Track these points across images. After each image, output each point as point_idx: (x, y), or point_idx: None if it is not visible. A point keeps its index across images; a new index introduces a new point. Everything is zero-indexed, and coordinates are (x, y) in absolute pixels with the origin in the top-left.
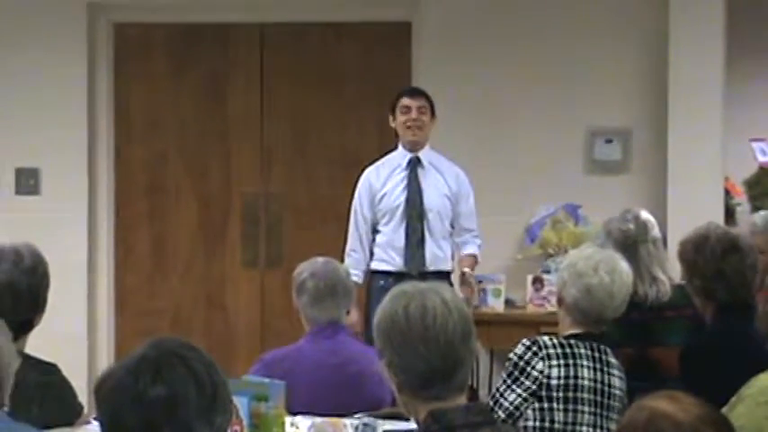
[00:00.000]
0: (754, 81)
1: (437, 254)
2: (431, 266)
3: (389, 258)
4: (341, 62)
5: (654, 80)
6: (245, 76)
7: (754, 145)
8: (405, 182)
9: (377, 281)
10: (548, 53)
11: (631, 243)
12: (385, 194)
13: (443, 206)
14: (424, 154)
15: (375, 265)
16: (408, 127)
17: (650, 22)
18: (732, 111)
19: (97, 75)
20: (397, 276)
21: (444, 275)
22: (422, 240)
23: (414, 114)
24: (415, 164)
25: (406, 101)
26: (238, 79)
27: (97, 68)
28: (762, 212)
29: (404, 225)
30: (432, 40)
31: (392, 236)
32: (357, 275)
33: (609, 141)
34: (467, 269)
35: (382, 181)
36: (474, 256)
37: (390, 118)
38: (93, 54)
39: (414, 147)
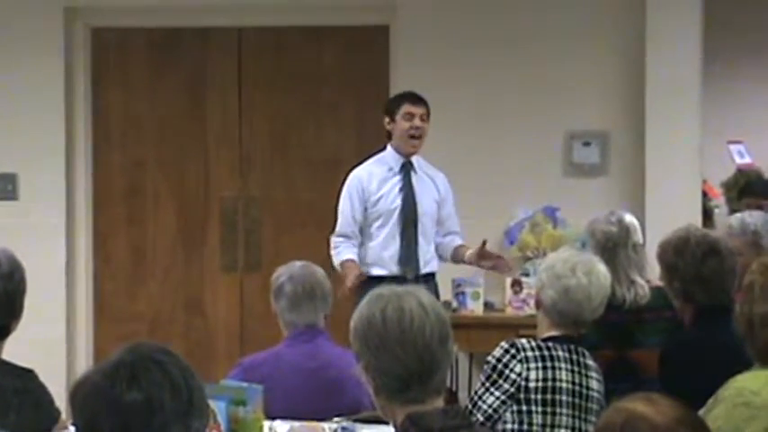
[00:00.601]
0: (731, 83)
1: (428, 257)
2: (422, 270)
3: (384, 263)
4: (319, 66)
5: (631, 83)
6: (223, 80)
7: (732, 147)
8: (399, 186)
9: (371, 287)
10: (525, 56)
11: (612, 246)
12: (380, 198)
13: (433, 211)
14: (415, 159)
15: (368, 271)
16: (411, 136)
17: (627, 25)
18: (709, 113)
19: (75, 79)
20: (391, 281)
21: (431, 277)
22: (416, 244)
23: (417, 122)
24: (408, 168)
25: (409, 107)
26: (216, 83)
27: (74, 73)
28: (738, 215)
29: (399, 229)
30: (409, 43)
31: (387, 240)
32: (351, 257)
33: (587, 144)
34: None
35: (376, 184)
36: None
37: (386, 119)
38: (71, 59)
39: (411, 153)
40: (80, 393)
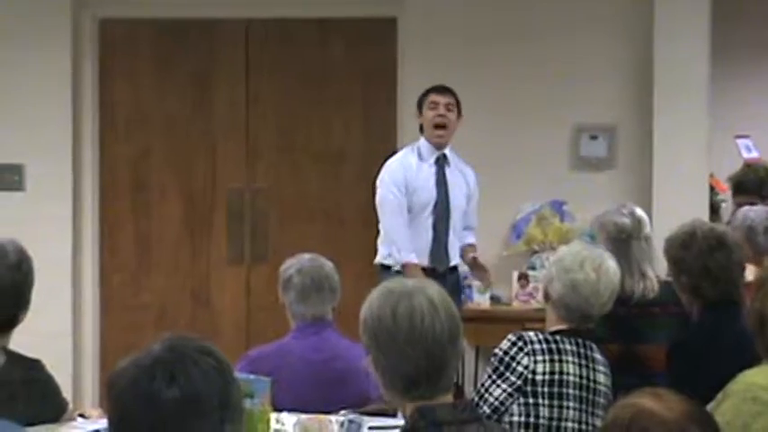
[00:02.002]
0: (739, 78)
1: (455, 250)
2: (451, 262)
3: (414, 253)
4: (327, 58)
5: (639, 77)
6: (230, 72)
7: (739, 141)
8: (434, 178)
9: (391, 276)
10: (533, 50)
11: (625, 238)
12: (417, 188)
13: (464, 205)
14: (448, 152)
15: (391, 261)
16: (436, 125)
17: (636, 18)
18: (717, 107)
19: (82, 71)
20: (422, 272)
21: (455, 269)
22: (446, 237)
23: (441, 110)
24: (442, 161)
25: (434, 97)
26: (224, 75)
27: (82, 64)
28: (744, 208)
29: (431, 222)
30: (417, 36)
31: (417, 231)
32: (413, 257)
33: (594, 138)
34: (475, 254)
35: (414, 173)
36: (475, 246)
37: (417, 113)
38: (78, 50)
39: (440, 144)
40: (117, 386)
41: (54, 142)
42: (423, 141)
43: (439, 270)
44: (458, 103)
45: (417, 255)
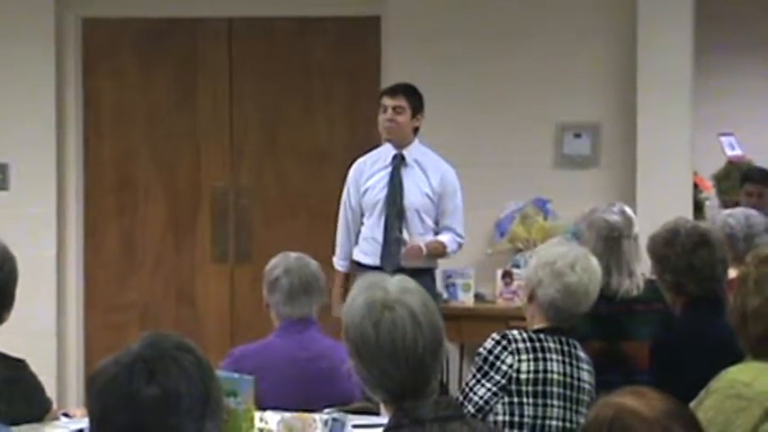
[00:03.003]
0: (722, 75)
1: None
2: (407, 264)
3: (369, 252)
4: (310, 56)
5: (623, 74)
6: (213, 71)
7: (723, 139)
8: (386, 178)
9: (360, 271)
10: (516, 48)
11: (616, 236)
12: (368, 189)
13: (424, 204)
14: (410, 151)
15: (358, 257)
16: (384, 127)
17: (619, 16)
18: (701, 105)
19: (66, 70)
20: (374, 271)
21: (425, 272)
22: (399, 238)
23: (389, 114)
24: (399, 161)
25: (384, 99)
26: (207, 73)
27: (66, 64)
28: (726, 212)
29: (382, 221)
30: (400, 34)
31: (373, 230)
32: (343, 266)
33: (578, 136)
34: (415, 243)
35: (367, 175)
36: (441, 243)
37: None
38: (62, 49)
39: (397, 144)
40: (97, 384)
41: (38, 141)
42: (385, 143)
43: (386, 271)
44: (413, 103)
45: (370, 254)
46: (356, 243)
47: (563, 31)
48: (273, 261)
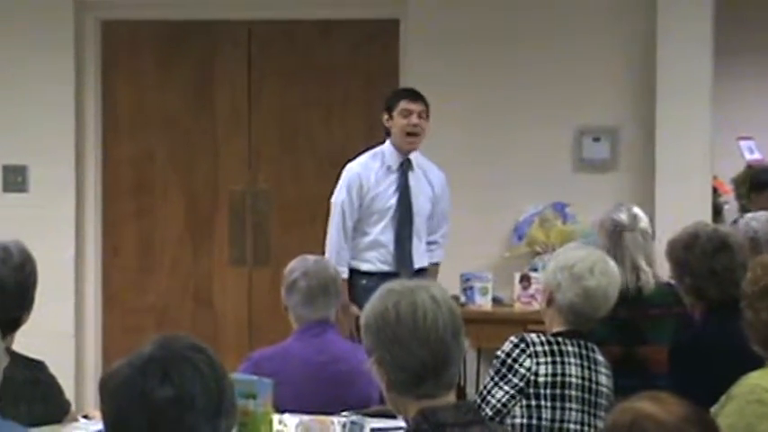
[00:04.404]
0: (741, 79)
1: (419, 254)
2: (416, 266)
3: (375, 259)
4: (329, 60)
5: (642, 78)
6: (232, 74)
7: (742, 143)
8: (396, 184)
9: (358, 280)
10: (536, 51)
11: (619, 230)
12: (377, 195)
13: (428, 210)
14: (414, 156)
15: (357, 265)
16: (408, 133)
17: (638, 20)
18: (720, 109)
19: (85, 72)
20: (382, 276)
21: (423, 272)
22: (410, 243)
23: (414, 120)
24: (406, 167)
25: (407, 104)
26: (226, 77)
27: (85, 66)
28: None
29: (394, 227)
30: (420, 38)
31: (380, 236)
32: (344, 272)
33: (597, 140)
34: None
35: (374, 181)
36: (438, 265)
37: (385, 116)
38: (81, 51)
39: (410, 151)
40: (110, 386)
41: (57, 144)
42: (388, 146)
43: (403, 276)
44: (428, 109)
45: (381, 261)
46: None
47: (582, 34)
48: (292, 264)
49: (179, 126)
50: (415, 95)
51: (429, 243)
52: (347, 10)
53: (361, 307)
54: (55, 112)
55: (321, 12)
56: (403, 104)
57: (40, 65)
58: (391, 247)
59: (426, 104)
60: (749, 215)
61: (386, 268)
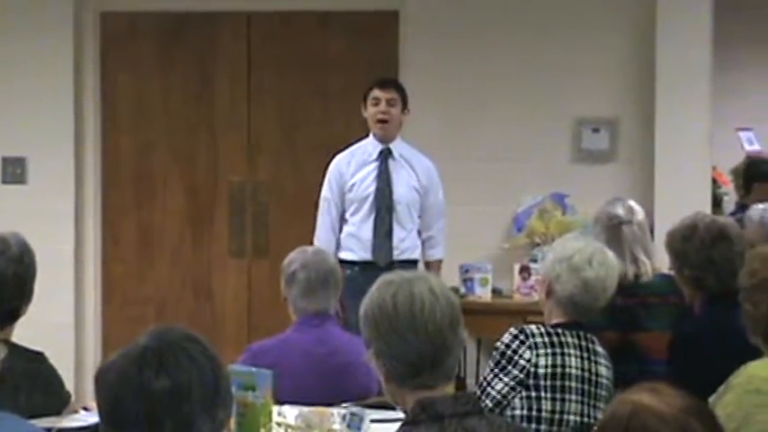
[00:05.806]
0: (741, 70)
1: (405, 244)
2: (398, 256)
3: (356, 248)
4: (328, 51)
5: (641, 69)
6: (232, 65)
7: (741, 134)
8: (375, 173)
9: (343, 270)
10: (535, 42)
11: (617, 223)
12: (354, 184)
13: (412, 198)
14: (396, 146)
15: (341, 255)
16: (377, 120)
17: (638, 11)
18: (719, 100)
19: (84, 64)
20: (364, 266)
21: (412, 264)
22: (389, 231)
23: (383, 107)
24: (386, 155)
25: (376, 92)
26: (225, 68)
27: (84, 57)
28: (760, 206)
29: (372, 216)
30: (419, 29)
31: (360, 226)
32: None
33: (596, 131)
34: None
35: (352, 171)
36: (440, 261)
37: (363, 107)
38: (80, 43)
39: (384, 139)
40: (106, 378)
41: (56, 135)
42: (370, 136)
43: (379, 264)
44: (403, 97)
45: (359, 248)
46: (337, 244)
47: (581, 25)
48: (291, 255)
49: (178, 117)
50: (384, 84)
51: (425, 239)
52: (347, 1)
53: (343, 296)
54: (54, 103)
55: (321, 3)
56: (373, 93)
57: (39, 56)
58: (370, 236)
59: (400, 92)
60: (761, 206)
61: (368, 257)
